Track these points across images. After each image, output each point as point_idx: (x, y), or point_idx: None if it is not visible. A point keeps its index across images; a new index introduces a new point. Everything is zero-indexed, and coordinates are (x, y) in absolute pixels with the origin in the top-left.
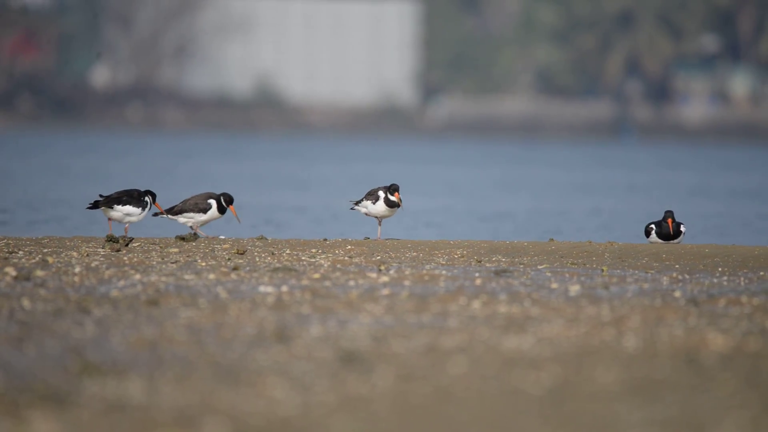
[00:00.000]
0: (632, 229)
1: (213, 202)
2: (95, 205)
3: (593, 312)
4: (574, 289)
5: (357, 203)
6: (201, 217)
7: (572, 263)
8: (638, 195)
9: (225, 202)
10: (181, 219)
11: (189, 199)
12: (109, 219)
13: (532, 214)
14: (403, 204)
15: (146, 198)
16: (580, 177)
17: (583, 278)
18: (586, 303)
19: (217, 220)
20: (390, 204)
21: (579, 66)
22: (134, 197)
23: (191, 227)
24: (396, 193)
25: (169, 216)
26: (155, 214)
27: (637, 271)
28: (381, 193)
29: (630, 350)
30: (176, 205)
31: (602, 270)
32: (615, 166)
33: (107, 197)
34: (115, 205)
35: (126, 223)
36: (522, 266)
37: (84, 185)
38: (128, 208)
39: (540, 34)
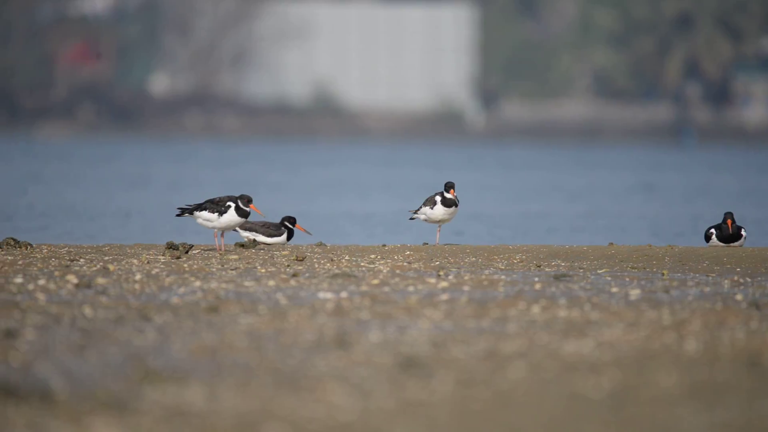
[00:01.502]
0: (693, 232)
1: (285, 231)
2: (182, 213)
3: (654, 316)
4: (635, 293)
5: (416, 212)
6: (267, 240)
7: (632, 267)
8: (698, 198)
9: (290, 223)
10: (250, 235)
11: (260, 222)
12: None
13: (591, 218)
14: (459, 203)
15: (229, 203)
16: (639, 180)
17: (643, 282)
18: (647, 307)
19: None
20: (447, 204)
21: (637, 69)
22: (214, 203)
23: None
24: (451, 190)
25: (237, 229)
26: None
27: (697, 275)
28: (438, 198)
29: (691, 354)
30: (246, 223)
31: (662, 274)
32: (674, 169)
33: (196, 205)
34: (196, 212)
35: (213, 229)
36: (582, 270)
37: (143, 192)
38: (205, 214)
39: (598, 38)
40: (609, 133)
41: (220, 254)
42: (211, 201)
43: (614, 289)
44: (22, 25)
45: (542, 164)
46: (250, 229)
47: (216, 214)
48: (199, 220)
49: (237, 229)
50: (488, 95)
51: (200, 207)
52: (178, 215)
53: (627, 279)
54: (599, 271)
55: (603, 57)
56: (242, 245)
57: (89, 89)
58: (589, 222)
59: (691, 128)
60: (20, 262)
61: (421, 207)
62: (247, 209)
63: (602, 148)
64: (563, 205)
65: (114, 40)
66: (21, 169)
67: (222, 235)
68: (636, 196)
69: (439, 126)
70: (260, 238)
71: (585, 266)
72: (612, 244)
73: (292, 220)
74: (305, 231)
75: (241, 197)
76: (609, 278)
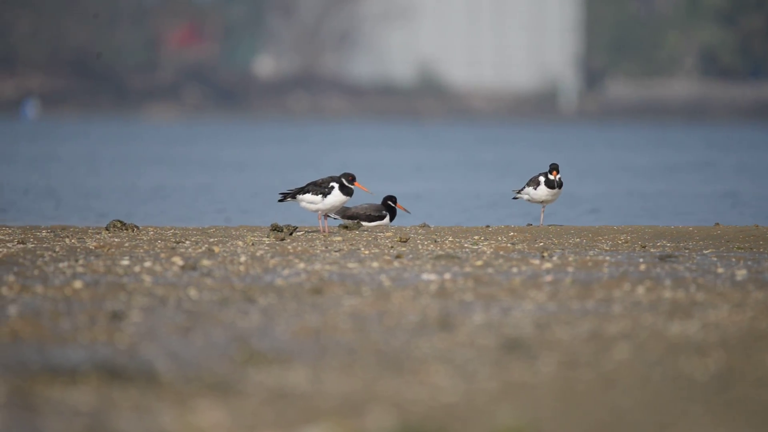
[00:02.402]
0: None
1: (386, 212)
2: (284, 198)
3: (761, 296)
4: (741, 273)
5: (519, 192)
6: (370, 223)
7: (738, 248)
8: None
9: (392, 202)
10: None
11: (362, 207)
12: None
13: (696, 198)
14: (563, 184)
15: (332, 184)
16: (745, 159)
17: (749, 263)
18: (753, 288)
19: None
20: (551, 185)
21: (745, 47)
22: (317, 185)
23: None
24: (554, 172)
25: (334, 215)
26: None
27: None
28: (541, 178)
29: None
30: (349, 209)
31: None
32: None
33: (298, 189)
34: (299, 196)
35: (317, 212)
36: (687, 251)
37: (249, 174)
38: (308, 197)
39: (705, 15)
40: (716, 111)
41: (324, 236)
42: (313, 183)
43: (720, 270)
44: (128, 8)
45: (647, 143)
46: (351, 216)
47: (320, 196)
48: (303, 204)
49: (338, 217)
50: (593, 74)
51: (303, 190)
52: (280, 200)
53: (733, 259)
54: (705, 252)
55: (710, 34)
56: (346, 227)
57: (195, 71)
58: (695, 202)
59: None
60: (126, 245)
61: (524, 187)
62: (352, 187)
63: (708, 127)
64: (669, 184)
65: (219, 22)
66: (129, 151)
67: (326, 217)
68: (742, 176)
69: (543, 105)
70: (364, 223)
71: (690, 247)
72: (718, 224)
73: (394, 199)
74: (404, 209)
75: (345, 175)
76: (715, 259)
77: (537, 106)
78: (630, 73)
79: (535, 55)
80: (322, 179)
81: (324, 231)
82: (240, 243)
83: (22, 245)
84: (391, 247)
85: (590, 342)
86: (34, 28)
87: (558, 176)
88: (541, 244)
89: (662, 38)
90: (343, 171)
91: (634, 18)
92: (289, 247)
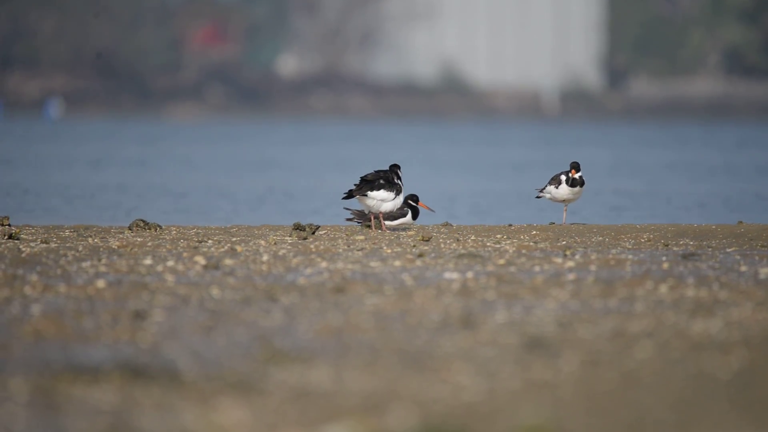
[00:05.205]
0: None
1: (408, 210)
2: (349, 195)
3: None
4: (764, 271)
5: (541, 190)
6: (392, 222)
7: (762, 245)
8: None
9: (413, 201)
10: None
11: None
12: (371, 215)
13: (720, 197)
14: (585, 182)
15: (396, 180)
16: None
17: None
18: None
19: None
20: (572, 183)
21: None
22: (389, 181)
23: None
24: (573, 170)
25: (357, 218)
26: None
27: None
28: (563, 177)
29: None
30: (370, 209)
31: None
32: None
33: (361, 183)
34: (370, 192)
35: (380, 211)
36: (710, 249)
37: (270, 173)
38: (382, 193)
39: (729, 14)
40: (740, 110)
41: (383, 232)
42: (384, 177)
43: (743, 268)
44: (152, 8)
45: (671, 142)
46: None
47: (393, 192)
48: (372, 202)
49: (357, 218)
50: (616, 73)
51: (372, 187)
52: (345, 198)
53: (756, 258)
54: (728, 250)
55: (734, 33)
56: (368, 226)
57: (218, 71)
58: (719, 200)
59: None
60: (149, 244)
61: (546, 186)
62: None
63: (732, 125)
64: (692, 183)
65: (242, 22)
66: (151, 151)
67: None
68: (766, 174)
69: (566, 104)
70: (387, 222)
71: (713, 245)
72: (741, 222)
73: (415, 198)
74: (428, 208)
75: (396, 166)
76: (738, 257)
77: (560, 105)
78: (654, 72)
79: (559, 54)
80: (380, 175)
81: (384, 228)
82: (262, 242)
83: (45, 245)
84: (414, 245)
85: (613, 341)
86: (58, 28)
87: (578, 174)
88: (564, 242)
89: (686, 37)
90: (363, 169)
91: (658, 17)
92: (312, 246)
